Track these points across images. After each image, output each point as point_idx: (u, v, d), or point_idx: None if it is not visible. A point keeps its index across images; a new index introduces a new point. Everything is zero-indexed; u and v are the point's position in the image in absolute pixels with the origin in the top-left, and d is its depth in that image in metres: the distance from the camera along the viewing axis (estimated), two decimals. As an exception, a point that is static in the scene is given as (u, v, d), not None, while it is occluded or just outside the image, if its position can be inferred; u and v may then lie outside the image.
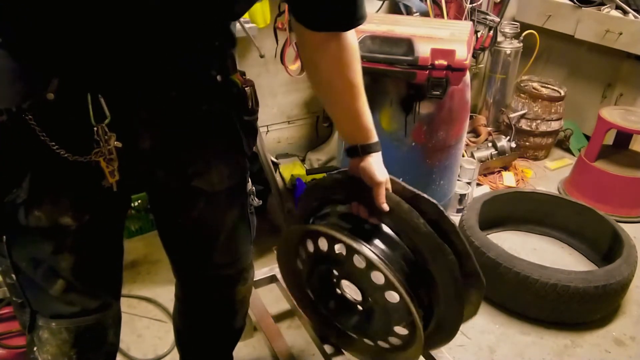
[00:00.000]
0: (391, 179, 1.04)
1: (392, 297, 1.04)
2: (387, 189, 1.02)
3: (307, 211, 1.21)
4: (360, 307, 1.20)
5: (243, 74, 0.98)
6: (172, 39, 0.78)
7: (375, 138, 1.02)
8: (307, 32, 0.90)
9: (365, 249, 1.00)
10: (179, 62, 0.83)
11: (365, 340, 1.21)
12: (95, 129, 0.78)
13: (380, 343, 1.17)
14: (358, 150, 1.01)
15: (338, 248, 1.07)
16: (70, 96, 0.76)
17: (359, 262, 1.05)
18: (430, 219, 1.00)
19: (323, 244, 1.10)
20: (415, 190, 1.02)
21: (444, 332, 1.10)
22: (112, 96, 0.78)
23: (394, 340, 1.13)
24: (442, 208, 1.00)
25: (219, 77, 0.90)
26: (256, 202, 1.14)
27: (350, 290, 1.19)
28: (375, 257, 1.00)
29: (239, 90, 0.95)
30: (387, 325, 1.11)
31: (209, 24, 0.83)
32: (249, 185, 1.11)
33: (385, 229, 1.06)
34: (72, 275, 0.89)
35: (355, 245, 1.00)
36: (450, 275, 1.00)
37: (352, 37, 0.94)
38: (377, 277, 1.03)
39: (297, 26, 0.91)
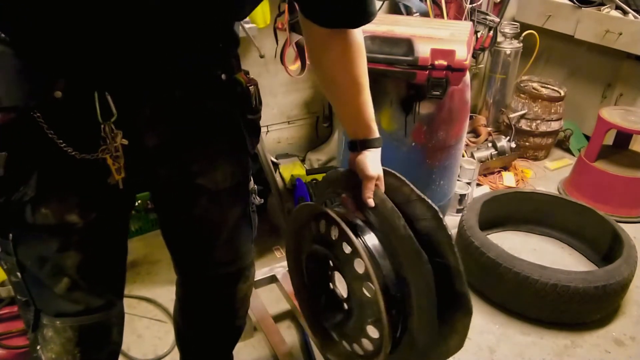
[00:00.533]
0: (400, 179, 1.04)
1: (369, 290, 1.03)
2: (377, 186, 1.02)
3: (321, 203, 1.24)
4: (345, 306, 1.20)
5: (247, 73, 0.99)
6: (177, 38, 0.78)
7: (375, 134, 1.03)
8: (314, 27, 0.91)
9: (352, 234, 1.00)
10: (184, 62, 0.83)
11: (344, 342, 1.21)
12: (102, 126, 0.79)
13: (355, 347, 1.17)
14: (357, 145, 1.02)
15: (333, 231, 1.07)
16: (77, 94, 0.77)
17: (346, 247, 1.05)
18: (428, 225, 0.98)
19: (322, 226, 1.11)
20: (421, 194, 1.00)
21: (417, 352, 1.04)
22: (119, 94, 0.78)
23: (366, 343, 1.11)
24: (442, 216, 0.97)
25: (223, 76, 0.91)
26: (258, 200, 1.15)
27: (340, 287, 1.20)
28: (360, 243, 0.99)
29: (243, 89, 0.96)
30: (362, 323, 1.10)
31: (213, 24, 0.84)
32: (251, 184, 1.11)
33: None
34: (77, 273, 0.89)
35: (344, 226, 0.99)
36: (424, 286, 0.95)
37: (358, 34, 0.94)
38: (359, 266, 1.02)
39: (304, 21, 0.92)
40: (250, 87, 0.97)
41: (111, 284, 0.98)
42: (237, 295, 1.19)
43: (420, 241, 0.97)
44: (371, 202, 1.01)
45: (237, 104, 0.96)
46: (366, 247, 1.00)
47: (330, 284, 1.25)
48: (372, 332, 1.08)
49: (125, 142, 0.82)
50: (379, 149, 1.04)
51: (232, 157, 1.01)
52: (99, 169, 0.83)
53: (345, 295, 1.18)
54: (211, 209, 1.02)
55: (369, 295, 1.04)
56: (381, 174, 1.03)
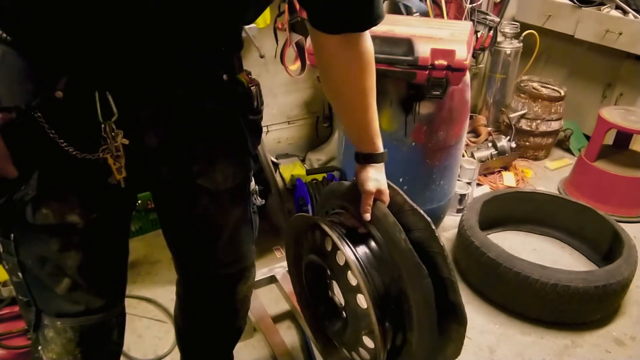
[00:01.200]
0: (394, 189, 1.03)
1: (362, 302, 1.02)
2: (382, 201, 1.01)
3: (322, 212, 1.24)
4: (344, 314, 1.20)
5: (249, 73, 0.98)
6: (178, 38, 0.78)
7: (379, 149, 1.02)
8: (323, 37, 0.90)
9: (345, 246, 1.00)
10: (186, 61, 0.83)
11: (344, 350, 1.21)
12: (102, 126, 0.79)
13: (354, 355, 1.17)
14: (360, 158, 1.02)
15: (327, 242, 1.07)
16: (78, 94, 0.77)
17: (340, 259, 1.05)
18: (421, 236, 0.99)
19: (318, 237, 1.11)
20: (414, 204, 1.00)
21: None
22: (120, 94, 0.78)
23: (364, 353, 1.11)
24: (434, 227, 0.97)
25: (225, 76, 0.91)
26: (259, 201, 1.15)
27: (338, 294, 1.19)
28: (352, 256, 0.99)
29: (244, 90, 0.96)
30: (357, 333, 1.10)
31: (216, 25, 0.83)
32: (252, 184, 1.11)
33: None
34: (78, 273, 0.89)
35: (336, 239, 0.99)
36: (423, 300, 0.96)
37: (368, 46, 0.93)
38: (352, 278, 1.02)
39: (313, 32, 0.91)
40: (252, 88, 0.97)
41: (112, 285, 0.98)
42: (237, 295, 1.19)
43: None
44: (367, 217, 1.01)
45: (238, 105, 0.96)
46: (359, 259, 1.00)
47: (329, 291, 1.25)
48: (368, 342, 1.08)
49: (125, 141, 0.82)
50: (382, 164, 1.03)
51: (233, 158, 1.01)
52: (100, 169, 0.83)
53: (343, 304, 1.17)
54: (211, 210, 1.02)
55: (362, 307, 1.03)
56: (383, 188, 1.02)
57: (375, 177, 1.01)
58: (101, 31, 0.72)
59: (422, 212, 0.99)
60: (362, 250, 1.02)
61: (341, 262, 1.05)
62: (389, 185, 1.04)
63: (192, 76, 0.86)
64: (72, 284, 0.90)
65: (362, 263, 1.00)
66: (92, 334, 0.95)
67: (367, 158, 1.02)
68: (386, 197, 1.02)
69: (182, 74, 0.84)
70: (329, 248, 1.07)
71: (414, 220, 1.00)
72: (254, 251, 1.18)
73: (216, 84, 0.91)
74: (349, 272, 1.02)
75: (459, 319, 0.98)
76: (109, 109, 0.78)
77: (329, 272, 1.14)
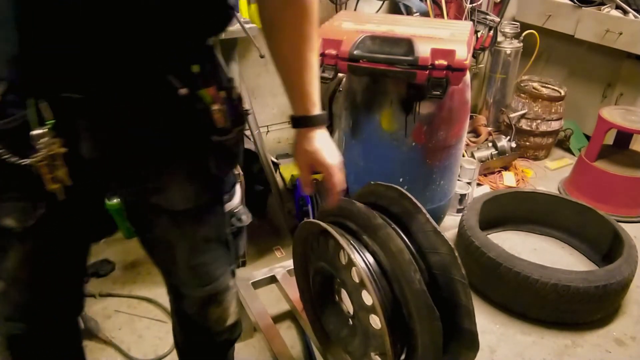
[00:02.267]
0: (416, 206, 0.99)
1: (375, 322, 1.01)
2: (326, 179, 0.94)
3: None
4: (350, 322, 1.19)
5: (229, 86, 0.87)
6: (130, 44, 0.72)
7: (312, 112, 0.91)
8: None
9: (362, 263, 0.98)
10: (134, 67, 0.75)
11: (345, 355, 1.21)
12: (30, 133, 0.73)
13: None
14: (291, 121, 0.94)
15: (342, 255, 1.06)
16: (10, 100, 0.73)
17: (355, 276, 1.03)
18: (442, 260, 0.97)
19: (331, 247, 1.09)
20: (437, 226, 0.98)
21: None
22: (55, 102, 0.73)
23: None
24: (457, 254, 0.95)
25: (183, 90, 0.79)
26: (244, 221, 1.09)
27: (347, 302, 1.17)
28: (369, 276, 0.97)
29: (204, 107, 0.82)
30: (366, 349, 1.09)
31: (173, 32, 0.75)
32: (234, 204, 1.05)
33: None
34: (11, 278, 0.87)
35: (353, 257, 0.98)
36: (431, 342, 0.95)
37: None
38: (367, 297, 1.01)
39: None
40: (214, 107, 0.82)
41: (49, 298, 0.93)
42: (209, 317, 1.09)
43: (431, 275, 0.96)
44: (307, 190, 0.97)
45: (194, 124, 0.83)
46: (375, 278, 0.98)
47: (337, 296, 1.24)
48: (375, 358, 1.08)
49: (63, 150, 0.75)
50: (323, 132, 0.93)
51: (193, 178, 0.89)
52: (37, 176, 0.77)
53: (351, 313, 1.16)
54: (171, 230, 0.94)
55: (375, 327, 1.02)
56: (322, 160, 0.92)
57: (311, 149, 0.92)
58: (40, 35, 0.68)
59: (444, 235, 0.97)
60: (373, 260, 1.00)
61: (356, 280, 1.03)
62: (411, 201, 0.99)
63: (141, 88, 0.77)
64: (5, 288, 0.88)
65: (378, 283, 0.98)
66: (20, 342, 0.94)
67: (298, 121, 0.92)
68: (330, 174, 0.93)
69: (129, 83, 0.76)
70: (344, 262, 1.05)
71: (435, 242, 0.98)
72: (229, 274, 1.07)
73: (168, 99, 0.79)
74: (364, 290, 1.00)
75: (471, 345, 0.98)
76: (41, 116, 0.73)
77: (339, 280, 1.13)
